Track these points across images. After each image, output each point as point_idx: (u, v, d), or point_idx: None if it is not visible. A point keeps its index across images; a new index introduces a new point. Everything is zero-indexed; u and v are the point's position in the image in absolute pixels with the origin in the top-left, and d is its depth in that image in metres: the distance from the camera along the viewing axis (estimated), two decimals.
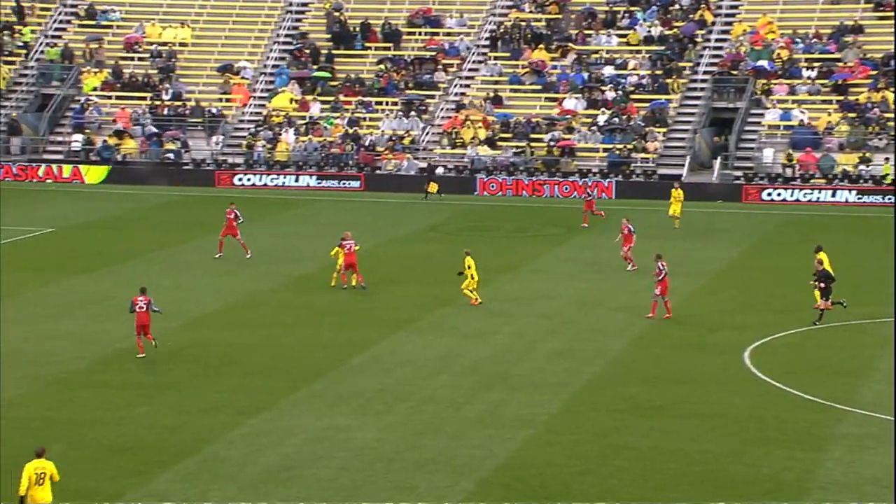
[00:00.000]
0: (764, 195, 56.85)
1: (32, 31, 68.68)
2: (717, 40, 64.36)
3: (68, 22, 69.54)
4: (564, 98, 62.22)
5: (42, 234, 47.91)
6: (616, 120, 60.76)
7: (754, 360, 30.54)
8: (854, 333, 33.25)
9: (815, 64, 61.85)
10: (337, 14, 67.29)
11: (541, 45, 64.54)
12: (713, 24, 64.95)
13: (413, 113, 62.53)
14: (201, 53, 67.67)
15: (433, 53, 65.25)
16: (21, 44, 68.09)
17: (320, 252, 39.90)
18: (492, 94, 62.85)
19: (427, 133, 62.20)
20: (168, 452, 23.94)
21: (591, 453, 24.09)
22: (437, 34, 66.65)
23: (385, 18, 67.19)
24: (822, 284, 33.29)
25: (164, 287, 38.06)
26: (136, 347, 30.56)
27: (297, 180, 60.16)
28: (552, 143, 60.12)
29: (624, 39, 64.82)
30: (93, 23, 69.12)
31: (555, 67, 63.84)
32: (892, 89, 59.68)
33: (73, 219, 51.36)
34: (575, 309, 35.82)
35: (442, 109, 63.22)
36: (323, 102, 63.87)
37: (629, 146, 59.55)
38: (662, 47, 63.84)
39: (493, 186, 58.53)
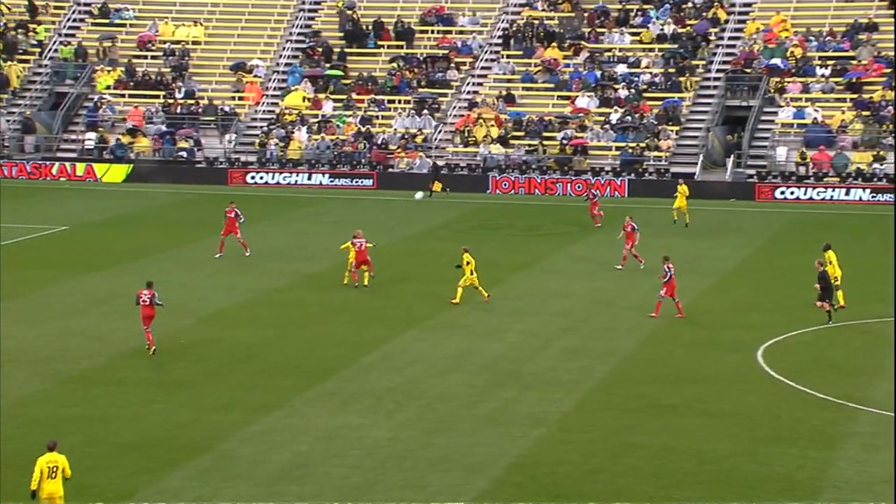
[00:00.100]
0: (777, 194, 56.72)
1: (46, 30, 68.87)
2: (730, 38, 64.21)
3: (82, 20, 69.72)
4: (577, 96, 62.15)
5: (56, 232, 48.06)
6: (629, 118, 60.68)
7: (767, 358, 30.49)
8: (867, 332, 33.16)
9: (829, 62, 61.67)
10: (349, 12, 67.33)
11: (553, 44, 64.48)
12: (726, 22, 64.81)
13: (425, 111, 62.53)
14: (214, 52, 67.78)
15: (446, 52, 65.25)
16: (35, 42, 68.28)
17: (332, 250, 39.95)
18: (504, 93, 62.83)
19: (439, 131, 62.20)
20: (181, 450, 24.00)
21: (604, 452, 24.07)
22: (449, 32, 66.63)
23: (398, 17, 67.20)
24: (820, 285, 33.18)
25: (177, 285, 38.16)
26: (146, 344, 30.66)
27: (309, 178, 60.22)
28: (565, 142, 60.07)
29: (637, 37, 64.72)
30: (106, 21, 69.29)
31: (567, 65, 63.77)
32: None
33: (86, 217, 51.50)
34: (587, 307, 35.80)
35: (454, 108, 63.20)
36: (335, 101, 63.92)
37: (642, 144, 59.47)
38: (675, 45, 63.73)
39: (505, 185, 58.51)
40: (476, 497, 22.00)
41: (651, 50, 64.01)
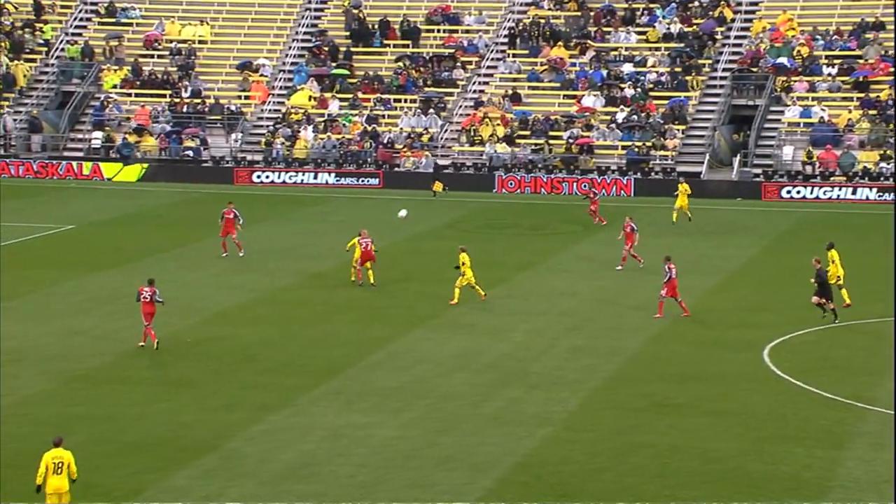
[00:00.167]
0: (783, 193, 56.64)
1: (53, 29, 68.94)
2: (736, 37, 64.13)
3: (88, 20, 69.78)
4: (583, 95, 62.10)
5: (62, 232, 48.11)
6: (635, 117, 60.62)
7: (773, 358, 30.44)
8: (874, 332, 33.08)
9: (836, 61, 61.57)
10: (356, 11, 67.33)
11: (559, 43, 64.44)
12: (733, 21, 64.72)
13: (431, 110, 62.52)
14: (220, 51, 67.82)
15: (452, 51, 65.22)
16: (42, 41, 68.36)
17: (338, 249, 39.95)
18: (510, 92, 62.79)
19: (445, 130, 62.19)
20: (187, 449, 24.01)
21: (609, 451, 24.05)
22: (455, 31, 66.61)
23: (404, 16, 67.19)
24: (817, 282, 33.13)
25: (183, 284, 38.20)
26: (152, 342, 30.69)
27: (315, 177, 60.23)
28: (571, 141, 60.02)
29: (643, 36, 64.66)
30: (113, 20, 69.36)
31: (574, 65, 63.74)
32: None
33: (93, 216, 51.54)
34: (593, 306, 35.77)
35: (460, 107, 63.19)
36: (341, 100, 63.92)
37: (648, 143, 59.42)
38: (682, 44, 63.66)
39: (511, 184, 58.48)
40: (482, 496, 21.99)
41: (657, 49, 63.94)
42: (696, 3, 65.46)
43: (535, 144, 60.34)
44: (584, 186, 55.63)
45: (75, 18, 69.65)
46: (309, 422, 25.62)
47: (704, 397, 27.42)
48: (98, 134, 63.53)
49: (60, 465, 20.12)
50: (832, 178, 57.24)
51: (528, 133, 61.00)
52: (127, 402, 26.92)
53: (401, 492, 22.08)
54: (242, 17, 68.80)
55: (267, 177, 60.40)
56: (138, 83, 65.88)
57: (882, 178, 56.85)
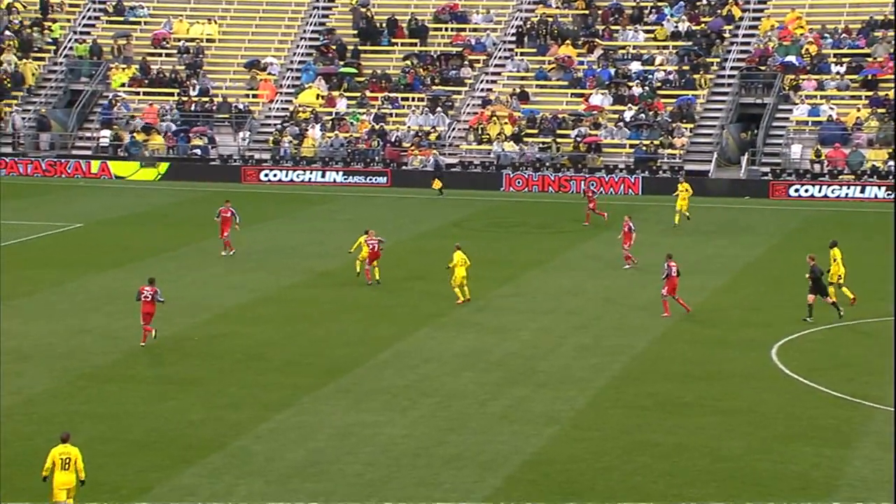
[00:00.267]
0: (791, 191, 56.55)
1: (61, 28, 69.06)
2: (744, 36, 64.04)
3: (97, 18, 69.89)
4: (591, 94, 62.06)
5: (70, 230, 48.18)
6: (643, 116, 60.56)
7: (781, 356, 30.40)
8: (881, 330, 32.99)
9: (845, 59, 61.45)
10: (363, 10, 67.34)
11: (567, 41, 64.39)
12: (741, 19, 64.63)
13: (439, 109, 62.51)
14: (228, 49, 67.88)
15: (459, 49, 65.21)
16: (50, 40, 68.47)
17: (346, 248, 39.95)
18: (518, 90, 62.76)
19: (453, 129, 62.17)
20: (195, 447, 24.03)
21: (617, 450, 24.03)
22: (463, 30, 66.60)
23: (411, 14, 67.19)
24: (811, 278, 33.06)
25: (190, 282, 38.24)
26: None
27: (323, 176, 60.25)
28: (578, 139, 59.98)
29: (651, 35, 64.60)
30: (121, 19, 69.45)
31: (581, 63, 63.69)
32: None
33: (101, 214, 51.61)
34: (600, 305, 35.74)
35: (468, 105, 63.17)
36: (349, 98, 63.95)
37: (656, 142, 59.35)
38: (690, 43, 63.59)
39: (518, 182, 58.46)
40: (490, 494, 21.98)
41: (665, 47, 63.87)
42: (705, 2, 65.36)
43: (543, 143, 60.30)
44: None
45: (83, 17, 69.75)
46: (316, 420, 25.62)
47: (712, 396, 27.38)
48: (106, 132, 63.62)
49: (68, 460, 20.23)
50: (840, 177, 57.12)
51: (535, 131, 60.96)
52: (134, 400, 26.95)
53: (409, 490, 22.08)
54: (250, 16, 68.85)
55: (275, 175, 60.43)
56: (146, 82, 65.94)
57: (891, 177, 56.70)
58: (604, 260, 42.17)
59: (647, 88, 61.62)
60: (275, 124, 63.49)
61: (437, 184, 56.52)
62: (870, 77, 60.38)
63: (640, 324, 33.51)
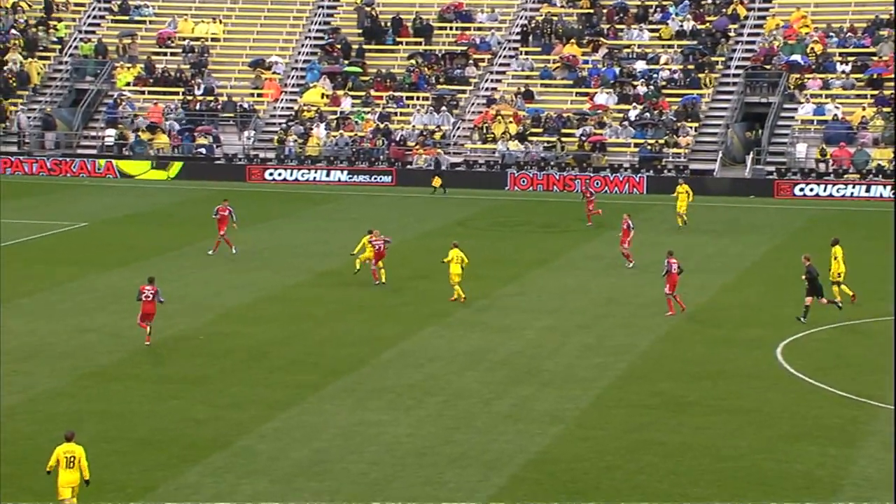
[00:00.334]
0: (796, 190, 56.49)
1: (67, 27, 69.13)
2: (749, 35, 63.98)
3: (102, 17, 69.95)
4: (596, 93, 62.03)
5: (76, 229, 48.22)
6: (648, 115, 60.53)
7: (786, 356, 30.37)
8: (887, 330, 32.94)
9: (850, 58, 61.38)
10: (368, 9, 67.35)
11: (572, 40, 64.37)
12: (746, 18, 64.57)
13: (444, 108, 62.50)
14: (233, 49, 67.91)
15: (464, 48, 65.21)
16: (55, 39, 68.55)
17: (350, 247, 39.95)
18: (523, 89, 62.74)
19: (458, 128, 62.17)
20: (199, 446, 24.04)
21: (621, 449, 24.02)
22: (468, 29, 66.60)
23: (416, 13, 67.19)
24: (807, 279, 33.00)
25: (194, 281, 38.27)
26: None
27: (328, 175, 60.26)
28: (583, 138, 59.96)
29: (656, 34, 64.57)
30: (126, 18, 69.52)
31: (586, 62, 63.66)
32: None
33: (105, 213, 51.65)
34: (604, 305, 35.72)
35: (473, 104, 63.17)
36: (354, 97, 63.95)
37: (661, 141, 59.32)
38: (695, 42, 63.55)
39: (523, 181, 58.44)
40: (494, 493, 21.98)
41: (670, 46, 63.82)
42: (709, 1, 65.30)
43: (548, 142, 60.28)
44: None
45: (89, 16, 69.81)
46: (321, 419, 25.63)
47: (717, 395, 27.36)
48: (111, 132, 63.67)
49: (73, 459, 20.26)
50: (846, 176, 57.06)
51: (540, 130, 60.94)
52: (138, 399, 26.96)
53: (413, 489, 22.08)
54: (255, 15, 68.89)
55: (279, 174, 60.45)
56: (151, 81, 66.00)
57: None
58: (608, 259, 42.13)
59: (651, 87, 61.59)
60: (279, 123, 63.51)
61: (436, 181, 56.56)
62: (875, 76, 60.30)
63: (645, 323, 33.48)
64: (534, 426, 25.21)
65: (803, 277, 33.32)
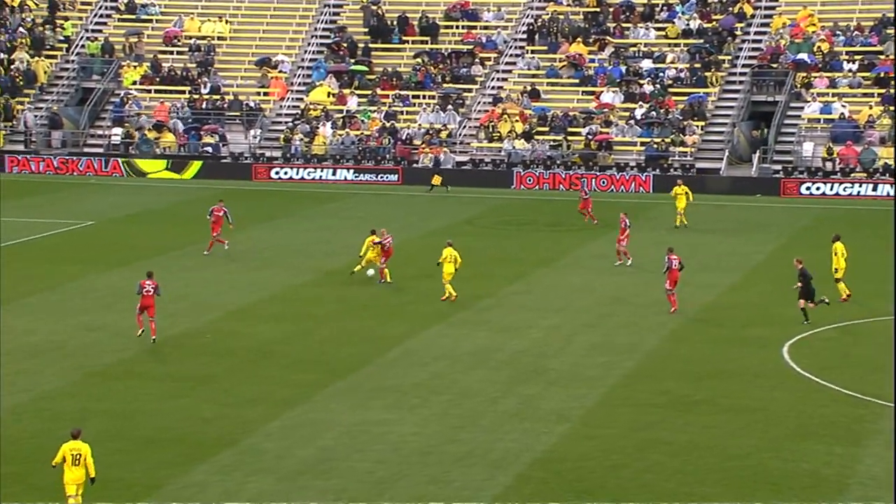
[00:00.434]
0: (803, 189, 56.42)
1: (73, 26, 69.22)
2: (756, 33, 63.90)
3: (109, 16, 70.03)
4: (602, 91, 61.99)
5: (82, 228, 48.27)
6: (654, 113, 60.48)
7: (793, 354, 30.33)
8: (892, 329, 32.87)
9: (857, 57, 61.29)
10: (374, 7, 67.36)
11: (578, 39, 64.33)
12: (753, 16, 64.50)
13: (450, 106, 62.49)
14: (239, 47, 67.95)
15: (470, 47, 65.19)
16: (62, 38, 68.63)
17: (356, 246, 39.96)
18: (529, 88, 62.72)
19: (464, 127, 62.16)
20: (205, 444, 24.06)
21: (628, 448, 24.00)
22: (474, 28, 66.59)
23: (422, 12, 67.19)
24: (801, 284, 32.87)
25: (201, 280, 38.30)
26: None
27: (334, 174, 60.28)
28: (589, 137, 59.93)
29: (662, 33, 64.51)
30: (133, 17, 69.58)
31: (592, 61, 63.62)
32: None
33: (112, 212, 51.69)
34: (611, 303, 35.70)
35: (479, 103, 63.15)
36: (360, 96, 63.97)
37: (667, 140, 59.27)
38: (701, 40, 63.48)
39: (529, 180, 58.41)
40: (500, 492, 21.97)
41: (676, 45, 63.76)
42: None
43: (554, 141, 60.24)
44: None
45: (95, 15, 69.89)
46: (327, 418, 25.63)
47: (723, 394, 27.34)
48: (118, 130, 63.74)
49: (78, 456, 20.30)
50: (852, 175, 56.97)
51: (546, 129, 60.92)
52: (145, 397, 26.99)
53: (419, 488, 22.08)
54: (261, 14, 68.93)
55: (285, 173, 60.47)
56: (158, 79, 66.05)
57: None
58: (613, 258, 42.09)
59: (658, 86, 61.53)
60: (286, 122, 63.53)
61: (436, 179, 56.57)
62: (882, 75, 60.20)
63: (651, 322, 33.45)
64: (540, 425, 25.20)
65: (799, 284, 33.05)
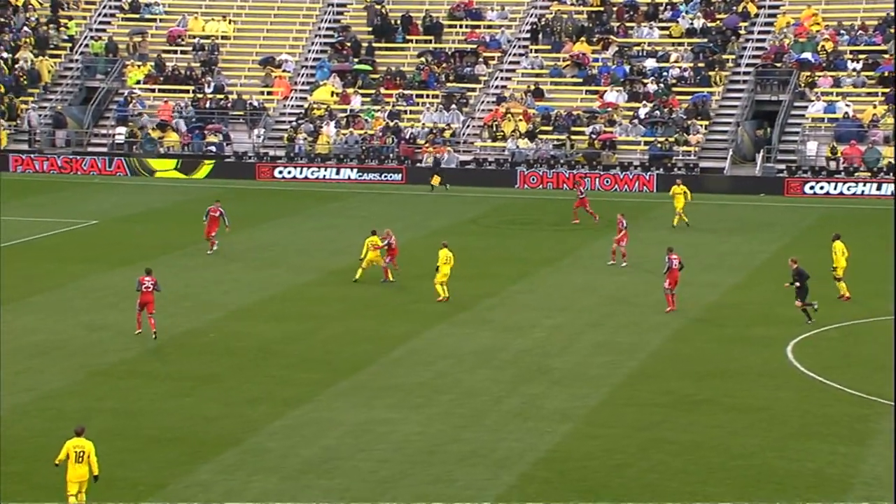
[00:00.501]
0: (807, 188, 56.38)
1: (77, 25, 69.27)
2: (760, 32, 63.85)
3: (112, 15, 70.06)
4: (606, 91, 61.97)
5: (86, 227, 48.32)
6: (658, 113, 60.46)
7: (797, 354, 30.32)
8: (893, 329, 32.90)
9: (861, 56, 61.23)
10: (378, 7, 67.37)
11: (582, 38, 64.31)
12: (756, 16, 64.45)
13: (454, 106, 62.50)
14: (243, 47, 67.98)
15: (474, 46, 65.19)
16: (66, 37, 68.69)
17: (360, 245, 39.97)
18: (533, 87, 62.71)
19: (468, 126, 62.17)
20: (210, 443, 24.08)
21: (632, 447, 24.00)
22: (478, 27, 66.57)
23: (426, 11, 67.19)
24: (797, 284, 32.82)
25: (205, 280, 38.33)
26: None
27: (337, 173, 60.29)
28: (593, 136, 59.92)
29: (666, 32, 64.48)
30: (136, 16, 69.63)
31: (596, 60, 63.60)
32: None
33: (116, 212, 51.74)
34: (614, 303, 35.69)
35: (483, 102, 63.16)
36: (364, 95, 63.97)
37: (671, 139, 59.25)
38: (705, 40, 63.44)
39: (533, 179, 58.40)
40: (504, 492, 21.98)
41: (680, 44, 63.72)
42: None
43: (558, 140, 60.23)
44: (609, 182, 55.19)
45: (99, 14, 69.93)
46: (331, 417, 25.65)
47: (727, 394, 27.33)
48: (122, 129, 63.79)
49: (82, 454, 20.34)
50: (856, 174, 56.93)
51: (550, 128, 60.91)
52: (149, 396, 27.01)
53: (423, 487, 22.08)
54: (265, 13, 68.96)
55: (289, 172, 60.49)
56: (162, 79, 66.09)
57: None
58: (617, 257, 42.06)
59: (661, 85, 61.51)
60: (289, 121, 63.56)
61: (435, 179, 56.58)
62: (886, 74, 60.14)
63: (654, 321, 33.45)
64: (543, 424, 25.20)
65: (795, 282, 32.99)
